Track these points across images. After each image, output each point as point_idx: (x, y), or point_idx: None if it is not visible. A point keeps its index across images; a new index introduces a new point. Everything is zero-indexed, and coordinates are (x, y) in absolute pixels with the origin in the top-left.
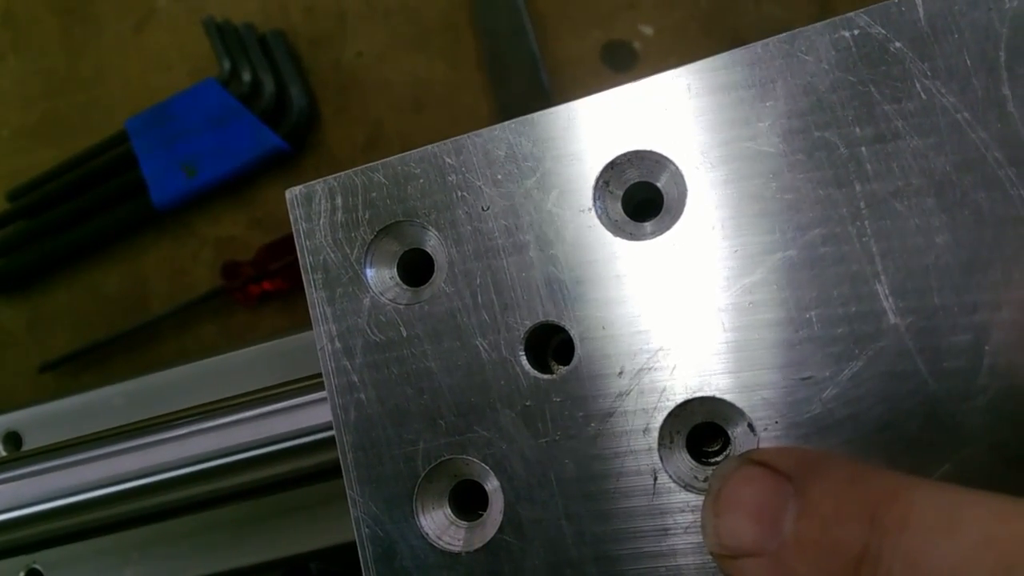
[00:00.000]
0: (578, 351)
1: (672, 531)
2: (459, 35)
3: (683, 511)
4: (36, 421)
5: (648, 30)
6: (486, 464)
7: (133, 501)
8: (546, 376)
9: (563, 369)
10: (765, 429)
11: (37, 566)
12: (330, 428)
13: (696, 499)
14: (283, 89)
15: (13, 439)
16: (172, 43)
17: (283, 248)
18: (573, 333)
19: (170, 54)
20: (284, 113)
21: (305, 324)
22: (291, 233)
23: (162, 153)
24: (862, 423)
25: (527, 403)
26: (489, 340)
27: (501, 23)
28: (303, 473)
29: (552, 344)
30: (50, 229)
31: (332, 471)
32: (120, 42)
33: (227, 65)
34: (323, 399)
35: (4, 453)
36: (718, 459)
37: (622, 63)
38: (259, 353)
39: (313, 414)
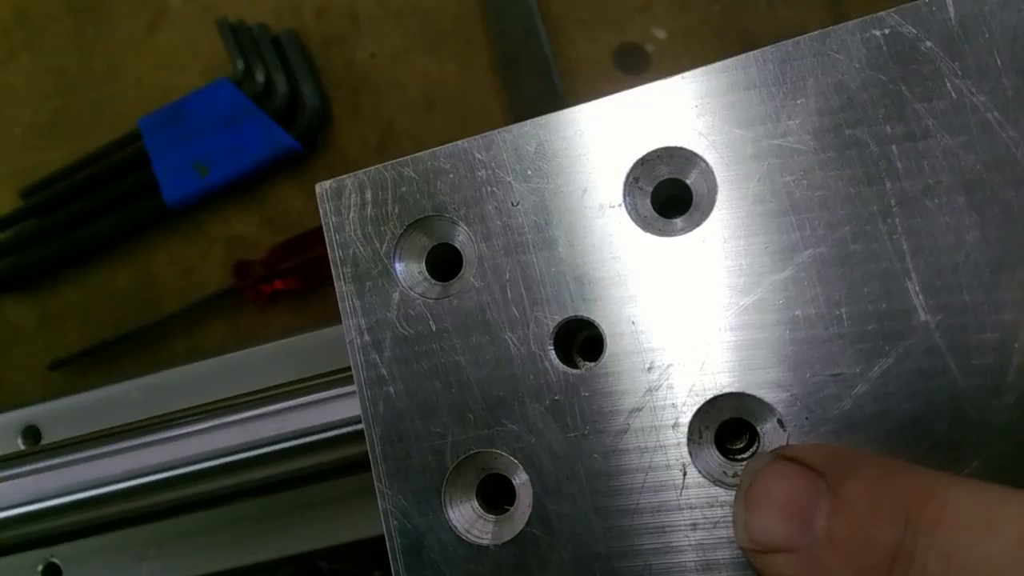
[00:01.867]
0: (607, 346)
1: (701, 526)
2: (471, 37)
3: (712, 506)
4: (55, 415)
5: (661, 33)
6: (515, 458)
7: (154, 495)
8: (575, 371)
9: (592, 364)
10: (794, 425)
11: (55, 560)
12: (352, 423)
13: (725, 494)
14: (296, 89)
15: (32, 433)
16: (185, 43)
17: (295, 247)
18: (602, 328)
19: (183, 54)
20: (297, 113)
21: (318, 323)
22: (303, 233)
23: (174, 152)
24: (891, 420)
25: (556, 397)
26: (518, 335)
27: (514, 25)
28: (325, 468)
29: (578, 340)
30: (62, 227)
31: (354, 466)
32: (133, 41)
33: (240, 65)
34: (345, 394)
35: (23, 447)
36: (745, 455)
37: (634, 66)
38: (278, 349)
39: (336, 409)
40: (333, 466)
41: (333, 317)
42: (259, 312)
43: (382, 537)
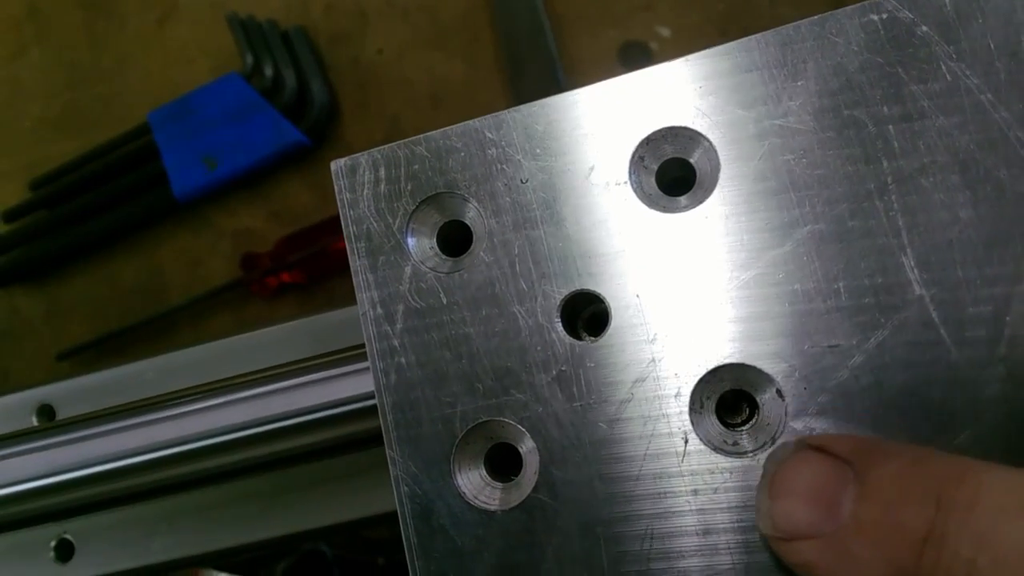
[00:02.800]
0: (612, 318)
1: (702, 491)
2: (478, 34)
3: (712, 472)
4: (69, 394)
5: (665, 31)
6: (522, 427)
7: (166, 469)
8: (581, 342)
9: (598, 336)
10: (793, 395)
11: (68, 536)
12: (361, 400)
13: (725, 460)
14: (304, 84)
15: (47, 412)
16: (194, 37)
17: (302, 240)
18: (608, 301)
19: (192, 48)
20: (305, 108)
21: (325, 310)
22: (309, 226)
23: (183, 145)
24: (886, 390)
25: (562, 368)
26: (526, 307)
27: (519, 22)
28: (335, 443)
29: (584, 316)
30: (70, 219)
31: (363, 442)
32: (143, 36)
33: (250, 60)
34: (355, 371)
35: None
36: (744, 428)
37: (638, 63)
38: (287, 331)
39: (344, 386)
40: (342, 442)
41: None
42: (265, 305)
43: (387, 523)
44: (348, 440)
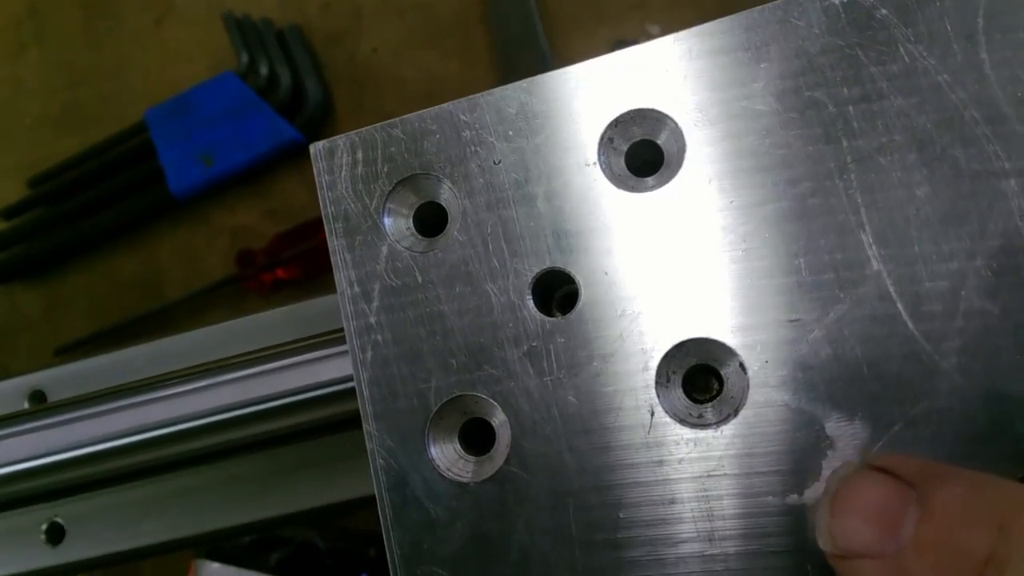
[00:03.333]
0: (582, 295)
1: (667, 462)
2: (471, 33)
3: (677, 443)
4: (60, 380)
5: (655, 29)
6: (494, 401)
7: (156, 449)
8: (551, 319)
9: (568, 313)
10: (755, 369)
11: (59, 520)
12: (341, 383)
13: (690, 433)
14: (299, 82)
15: (38, 397)
16: (191, 37)
17: (297, 237)
18: (577, 278)
19: (189, 47)
20: (300, 106)
21: (313, 297)
22: (305, 222)
23: (180, 143)
24: (845, 362)
25: (533, 344)
26: (499, 285)
27: (512, 21)
28: (320, 423)
29: (557, 296)
30: (69, 216)
31: (346, 423)
32: (141, 35)
33: (245, 58)
34: (335, 355)
35: None
36: (710, 403)
37: None
38: (278, 317)
39: (329, 368)
40: (326, 422)
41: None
42: (261, 300)
43: (371, 508)
44: (331, 421)
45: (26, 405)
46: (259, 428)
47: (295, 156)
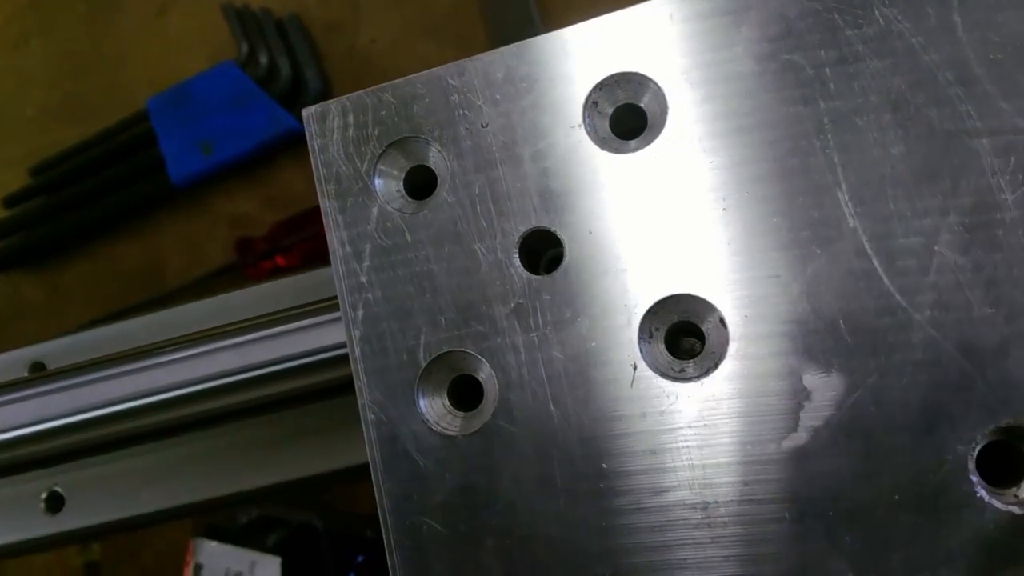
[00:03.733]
0: (567, 253)
1: (649, 414)
2: (469, 24)
3: (659, 396)
4: (60, 351)
5: None
6: (482, 356)
7: (154, 414)
8: (538, 276)
9: (554, 271)
10: (735, 324)
11: (58, 488)
12: (334, 349)
13: (671, 386)
14: (299, 72)
15: (39, 368)
16: (192, 27)
17: (296, 225)
18: (563, 237)
19: (190, 37)
20: (299, 95)
21: (307, 270)
22: (304, 210)
23: (181, 132)
24: (822, 316)
25: (520, 300)
26: (486, 244)
27: (509, 13)
28: (313, 389)
29: (546, 256)
30: (71, 204)
31: (339, 388)
32: (143, 26)
33: (245, 48)
34: (329, 321)
35: None
36: (693, 360)
37: None
38: (274, 288)
39: (322, 335)
40: (321, 387)
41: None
42: None
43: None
44: (327, 386)
45: (27, 374)
46: (256, 393)
47: (294, 145)
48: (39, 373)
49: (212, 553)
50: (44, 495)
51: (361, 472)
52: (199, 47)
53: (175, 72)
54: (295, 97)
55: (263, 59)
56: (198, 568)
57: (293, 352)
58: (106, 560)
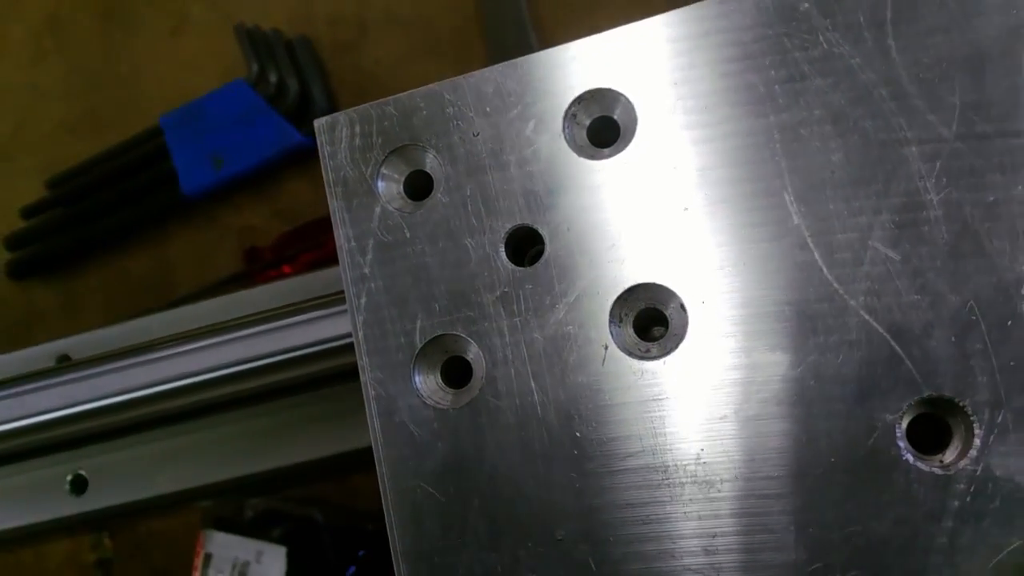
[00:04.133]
0: (547, 247)
1: (618, 388)
2: (469, 45)
3: (627, 374)
4: (84, 344)
5: None
6: (471, 339)
7: (170, 400)
8: (521, 268)
9: (535, 263)
10: (693, 308)
11: (82, 472)
12: (336, 340)
13: (638, 364)
14: (307, 90)
15: (64, 360)
16: (205, 47)
17: (302, 235)
18: (543, 233)
19: (202, 56)
20: (307, 112)
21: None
22: (310, 221)
23: (192, 147)
24: (768, 301)
25: (505, 289)
26: (476, 240)
27: (508, 36)
28: (319, 376)
29: (531, 253)
30: (85, 216)
31: (343, 376)
32: (156, 45)
33: (255, 67)
34: (334, 314)
35: None
36: (657, 341)
37: None
38: (282, 288)
39: (326, 327)
40: (327, 374)
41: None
42: None
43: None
44: (331, 373)
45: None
46: (264, 380)
47: (302, 159)
48: (64, 364)
49: (221, 543)
50: (69, 478)
51: (359, 459)
52: (211, 66)
53: (188, 89)
54: (303, 114)
55: (272, 77)
56: (208, 558)
57: (298, 343)
58: (118, 556)
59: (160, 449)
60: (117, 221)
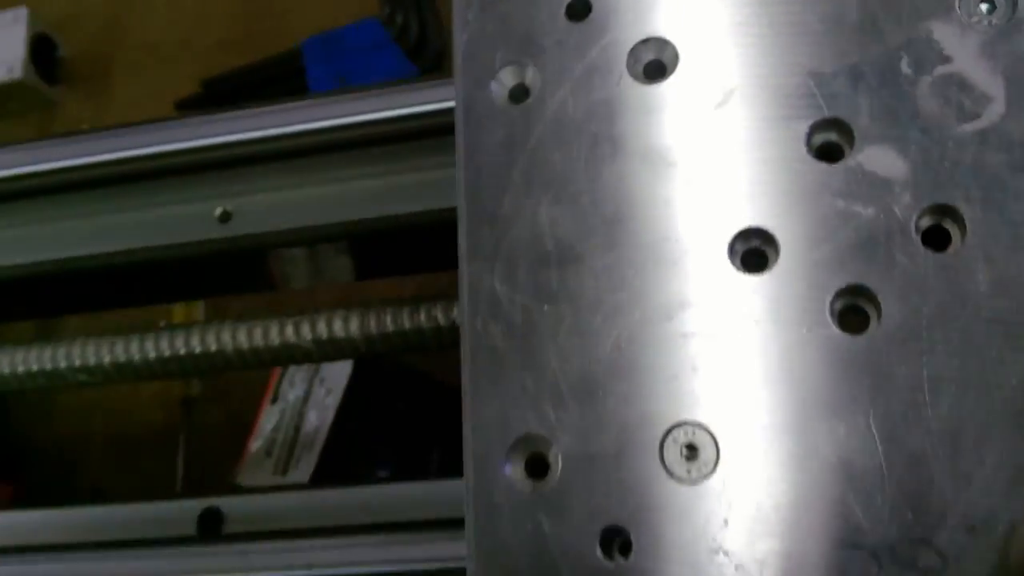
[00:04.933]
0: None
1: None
2: None
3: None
4: None
5: None
6: None
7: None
8: None
9: None
10: None
11: (229, 208)
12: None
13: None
14: (425, 32)
15: None
16: None
17: None
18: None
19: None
20: (422, 52)
21: None
22: None
23: (324, 66)
24: None
25: None
26: None
27: None
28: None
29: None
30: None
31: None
32: None
33: (387, 9)
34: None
35: None
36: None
37: None
38: None
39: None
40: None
41: None
42: None
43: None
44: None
45: None
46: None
47: None
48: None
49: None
50: (218, 212)
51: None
52: (350, 5)
53: (327, 25)
54: (418, 53)
55: (399, 19)
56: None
57: None
58: (202, 398)
59: (302, 194)
60: None
